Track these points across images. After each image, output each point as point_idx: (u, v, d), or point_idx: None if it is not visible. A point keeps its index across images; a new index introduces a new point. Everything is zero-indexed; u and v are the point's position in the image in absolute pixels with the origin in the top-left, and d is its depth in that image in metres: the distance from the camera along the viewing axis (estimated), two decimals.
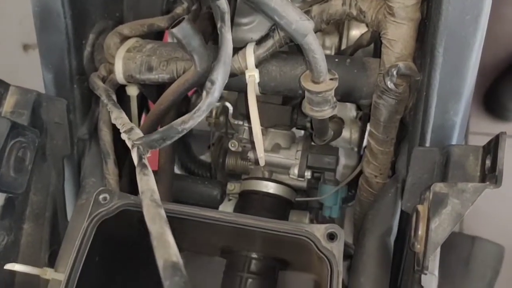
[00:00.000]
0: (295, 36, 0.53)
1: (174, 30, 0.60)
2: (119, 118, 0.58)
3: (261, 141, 0.60)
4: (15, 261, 0.69)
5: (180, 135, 0.52)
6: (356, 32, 0.82)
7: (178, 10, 0.79)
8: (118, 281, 0.76)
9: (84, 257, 0.65)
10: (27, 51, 2.56)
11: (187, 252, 0.85)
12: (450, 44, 0.56)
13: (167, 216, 0.65)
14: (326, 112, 0.61)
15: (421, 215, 0.51)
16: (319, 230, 0.56)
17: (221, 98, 0.86)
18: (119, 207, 0.67)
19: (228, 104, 0.85)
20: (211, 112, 0.87)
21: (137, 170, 0.47)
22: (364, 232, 0.62)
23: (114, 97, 0.66)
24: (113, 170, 0.72)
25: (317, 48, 0.55)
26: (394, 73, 0.59)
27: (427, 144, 0.61)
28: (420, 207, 0.52)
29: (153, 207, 0.39)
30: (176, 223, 0.69)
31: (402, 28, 0.59)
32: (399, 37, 0.60)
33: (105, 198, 0.67)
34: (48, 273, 0.67)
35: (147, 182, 0.47)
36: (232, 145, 0.87)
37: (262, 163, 0.62)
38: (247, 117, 0.86)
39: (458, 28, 0.56)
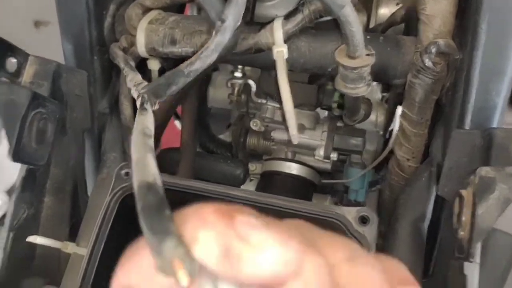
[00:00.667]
0: (332, 7, 0.50)
1: None
2: (133, 79, 0.55)
3: (294, 118, 0.58)
4: (35, 234, 0.68)
5: (188, 79, 0.48)
6: (385, 10, 0.79)
7: None
8: None
9: (107, 232, 0.64)
10: (39, 28, 2.54)
11: None
12: (494, 20, 0.53)
13: (189, 193, 0.63)
14: (360, 89, 0.58)
15: (465, 201, 0.48)
16: (350, 213, 0.54)
17: (244, 76, 0.83)
18: None
19: (251, 82, 0.83)
20: (232, 89, 0.84)
21: (137, 112, 0.44)
22: (396, 217, 0.60)
23: (132, 64, 0.64)
24: None
25: (355, 21, 0.52)
26: (433, 50, 0.56)
27: (467, 127, 0.58)
28: (464, 192, 0.49)
29: (141, 137, 0.35)
30: (187, 199, 0.67)
31: (442, 3, 0.56)
32: (438, 12, 0.56)
33: (127, 173, 0.65)
34: (69, 247, 0.67)
35: (143, 120, 0.42)
36: (254, 124, 0.84)
37: (295, 141, 0.59)
38: (270, 96, 0.83)
39: (502, 3, 0.53)
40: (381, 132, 0.88)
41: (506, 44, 0.54)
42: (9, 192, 2.24)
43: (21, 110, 0.59)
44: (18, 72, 0.63)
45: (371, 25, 0.78)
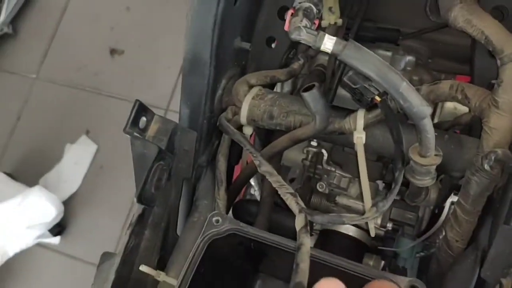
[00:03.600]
0: (414, 117, 0.63)
1: (305, 94, 0.71)
2: (280, 185, 0.70)
3: (370, 196, 0.70)
4: (135, 260, 0.81)
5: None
6: (450, 105, 0.91)
7: (295, 65, 0.90)
8: None
9: (195, 267, 0.77)
10: (113, 56, 2.78)
11: (265, 274, 0.95)
12: None
13: (257, 242, 0.75)
14: (426, 181, 0.70)
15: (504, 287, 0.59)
16: (402, 282, 0.64)
17: (319, 145, 0.97)
18: (228, 230, 0.78)
19: (324, 151, 0.96)
20: (307, 155, 0.97)
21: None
22: None
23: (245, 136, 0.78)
24: (223, 195, 0.84)
25: (430, 130, 0.64)
26: (492, 158, 0.67)
27: None
28: (504, 281, 0.60)
29: None
30: (263, 248, 0.79)
31: (504, 120, 0.68)
32: (499, 127, 0.68)
33: (217, 221, 0.78)
34: (161, 276, 0.79)
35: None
36: (320, 186, 0.97)
37: (372, 233, 0.71)
38: (339, 165, 0.96)
39: None
40: (431, 208, 0.99)
41: None
42: (64, 203, 2.43)
43: (149, 161, 0.74)
44: (145, 128, 0.78)
45: (436, 119, 0.90)
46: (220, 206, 0.84)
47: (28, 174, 2.57)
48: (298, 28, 0.61)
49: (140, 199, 0.73)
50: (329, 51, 0.61)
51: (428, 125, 0.64)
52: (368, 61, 0.61)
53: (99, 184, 2.51)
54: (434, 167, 0.68)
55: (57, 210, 2.31)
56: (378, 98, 0.68)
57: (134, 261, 0.81)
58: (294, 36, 0.62)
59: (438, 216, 0.98)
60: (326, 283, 0.29)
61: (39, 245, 2.38)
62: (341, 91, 0.96)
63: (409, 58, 0.97)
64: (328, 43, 0.61)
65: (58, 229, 2.39)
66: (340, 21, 0.89)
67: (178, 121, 0.84)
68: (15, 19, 2.87)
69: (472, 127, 0.83)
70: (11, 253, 2.26)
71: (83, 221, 2.47)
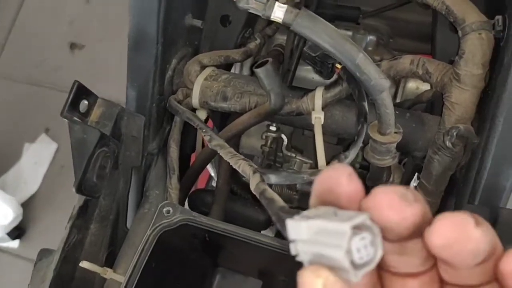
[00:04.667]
0: (372, 91, 0.59)
1: (258, 70, 0.66)
2: (232, 155, 0.65)
3: None
4: (79, 257, 0.75)
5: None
6: (413, 84, 0.88)
7: (251, 45, 0.86)
8: (167, 287, 0.82)
9: (144, 262, 0.71)
10: (73, 50, 2.67)
11: (224, 268, 0.90)
12: (510, 115, 0.61)
13: (212, 233, 0.70)
14: (387, 161, 0.66)
15: None
16: None
17: (278, 130, 0.92)
18: (180, 220, 0.73)
19: (283, 136, 0.91)
20: (266, 141, 0.93)
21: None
22: None
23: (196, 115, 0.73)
24: (175, 185, 0.78)
25: (389, 104, 0.60)
26: (454, 134, 0.64)
27: (476, 202, 0.65)
28: None
29: None
30: (219, 240, 0.75)
31: (466, 94, 0.65)
32: (461, 101, 0.65)
33: (168, 211, 0.73)
34: (108, 273, 0.73)
35: None
36: None
37: None
38: (299, 151, 0.91)
39: None
40: None
41: None
42: (24, 204, 2.32)
43: (89, 147, 0.67)
44: (87, 112, 0.72)
45: (398, 97, 0.87)
46: (173, 196, 0.78)
47: None
48: None
49: (80, 189, 0.67)
50: (280, 20, 0.57)
51: (386, 99, 0.60)
52: (322, 31, 0.56)
53: (59, 184, 2.40)
54: (394, 145, 0.65)
55: (15, 212, 2.20)
56: (338, 65, 0.64)
57: (78, 257, 0.74)
58: (242, 4, 0.57)
59: None
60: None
61: None
62: (300, 73, 0.92)
63: (370, 37, 0.94)
64: (278, 11, 0.56)
65: (17, 232, 2.28)
66: None
67: (125, 105, 0.78)
68: None
69: (434, 105, 0.80)
70: None
71: (43, 223, 2.36)
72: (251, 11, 0.57)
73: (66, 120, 0.69)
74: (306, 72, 0.91)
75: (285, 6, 0.57)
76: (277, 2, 0.57)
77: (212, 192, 0.86)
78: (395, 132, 0.64)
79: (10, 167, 2.46)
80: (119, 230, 0.82)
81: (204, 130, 0.70)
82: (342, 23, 0.94)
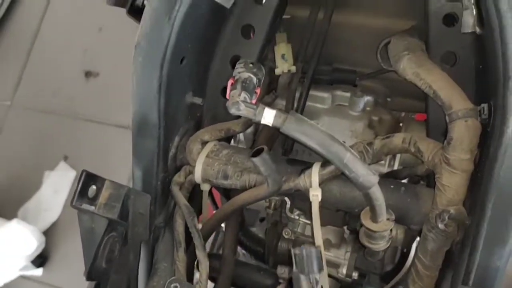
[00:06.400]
0: (361, 187, 0.62)
1: (255, 160, 0.69)
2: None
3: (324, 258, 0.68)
4: None
5: None
6: None
7: None
8: None
9: None
10: (88, 79, 2.74)
11: None
12: (499, 202, 0.63)
13: None
14: (380, 245, 0.68)
15: None
16: None
17: (279, 195, 0.95)
18: None
19: (286, 199, 0.94)
20: (270, 203, 0.95)
21: None
22: None
23: (195, 221, 0.77)
24: (182, 257, 0.82)
25: (379, 197, 0.63)
26: (446, 217, 0.66)
27: (471, 282, 0.67)
28: None
29: None
30: None
31: (456, 177, 0.67)
32: (452, 184, 0.67)
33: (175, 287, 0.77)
34: None
35: None
36: (286, 233, 0.95)
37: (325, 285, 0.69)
38: (303, 212, 0.94)
39: (507, 189, 0.63)
40: (399, 248, 0.97)
41: (508, 219, 0.64)
42: (45, 232, 2.39)
43: (98, 236, 0.71)
44: (96, 196, 0.75)
45: (396, 164, 0.88)
46: (180, 268, 0.81)
47: (6, 205, 2.53)
48: (236, 103, 0.59)
49: (90, 276, 0.71)
50: (270, 124, 0.60)
51: (376, 193, 0.62)
52: (310, 134, 0.59)
53: None
54: (388, 231, 0.67)
55: (38, 241, 2.28)
56: None
57: None
58: (233, 111, 0.60)
59: (406, 256, 0.97)
60: None
61: (22, 277, 2.34)
62: None
63: (368, 98, 0.96)
64: (268, 116, 0.59)
65: (40, 260, 2.36)
66: (293, 68, 0.87)
67: (132, 185, 0.82)
68: None
69: (429, 175, 0.81)
70: None
71: (65, 250, 2.43)
72: (242, 116, 0.60)
73: (74, 208, 0.73)
74: None
75: (274, 111, 0.59)
76: (266, 108, 0.59)
77: (219, 257, 0.89)
78: (387, 219, 0.66)
79: (31, 195, 2.54)
80: None
81: (193, 235, 0.73)
82: (340, 86, 0.96)
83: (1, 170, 2.67)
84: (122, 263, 0.82)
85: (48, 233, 2.41)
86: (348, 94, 0.96)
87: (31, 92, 2.80)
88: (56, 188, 2.57)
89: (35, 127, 2.73)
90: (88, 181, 0.74)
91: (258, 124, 0.97)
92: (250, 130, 1.03)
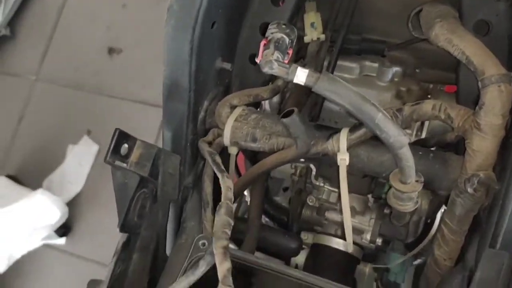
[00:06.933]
0: (392, 147, 0.62)
1: (285, 120, 0.70)
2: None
3: (350, 227, 0.70)
4: (123, 285, 0.82)
5: None
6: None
7: (279, 82, 0.89)
8: None
9: None
10: (112, 55, 2.77)
11: None
12: None
13: (243, 265, 0.75)
14: (408, 207, 0.69)
15: None
16: None
17: (307, 160, 0.96)
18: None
19: (312, 166, 0.95)
20: (295, 170, 0.97)
21: None
22: None
23: (219, 159, 0.77)
24: (210, 217, 0.84)
25: (409, 158, 0.63)
26: (475, 181, 0.66)
27: (498, 245, 0.67)
28: None
29: None
30: (251, 271, 0.79)
31: (486, 142, 0.67)
32: (482, 149, 0.67)
33: (203, 244, 0.79)
34: None
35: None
36: (311, 200, 0.96)
37: (349, 249, 0.71)
38: (328, 179, 0.95)
39: None
40: (423, 218, 0.98)
41: None
42: (69, 203, 2.45)
43: (130, 191, 0.74)
44: (128, 155, 0.77)
45: (424, 133, 0.88)
46: (207, 228, 0.84)
47: (31, 176, 2.59)
48: (269, 62, 0.60)
49: (124, 228, 0.73)
50: (302, 83, 0.60)
51: (406, 154, 0.63)
52: (342, 93, 0.60)
53: (102, 183, 2.52)
54: (416, 193, 0.68)
55: (61, 212, 2.34)
56: None
57: (123, 285, 0.81)
58: (266, 69, 0.60)
59: (430, 225, 0.98)
60: None
61: (46, 246, 2.41)
62: (328, 104, 0.95)
63: (396, 69, 0.95)
64: (301, 75, 0.60)
65: (63, 230, 2.42)
66: (323, 36, 0.87)
67: (162, 145, 0.84)
68: (13, 21, 2.86)
69: (459, 143, 0.81)
70: (18, 255, 2.30)
71: (88, 221, 2.49)
72: (275, 75, 0.61)
73: (108, 164, 0.75)
74: (333, 104, 0.94)
75: (307, 70, 0.60)
76: (299, 67, 0.60)
77: (244, 220, 0.91)
78: (416, 181, 0.67)
79: (55, 168, 2.60)
80: (159, 258, 0.88)
81: (221, 175, 0.74)
82: (368, 56, 0.96)
83: (27, 143, 2.74)
84: (151, 221, 0.84)
85: (71, 205, 2.47)
86: (376, 65, 0.96)
87: (56, 67, 2.84)
88: (79, 161, 2.62)
89: (59, 102, 2.77)
90: (120, 139, 0.77)
91: (284, 93, 0.98)
92: (276, 99, 1.04)
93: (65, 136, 2.65)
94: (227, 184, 0.67)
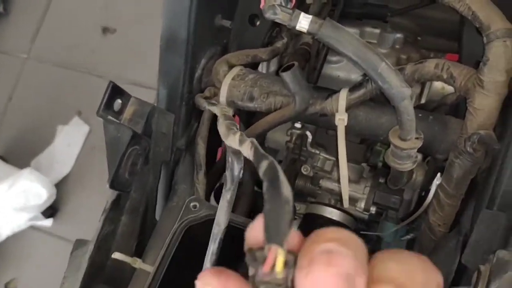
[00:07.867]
0: (393, 99, 0.61)
1: (284, 74, 0.68)
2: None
3: (347, 185, 0.68)
4: (111, 247, 0.79)
5: None
6: (438, 85, 0.88)
7: (278, 44, 0.87)
8: (189, 280, 0.86)
9: (172, 254, 0.75)
10: (106, 34, 2.73)
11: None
12: None
13: (236, 228, 0.73)
14: (407, 165, 0.68)
15: (482, 275, 0.57)
16: None
17: (302, 127, 0.94)
18: (206, 216, 0.77)
19: (308, 133, 0.93)
20: (291, 137, 0.95)
21: None
22: None
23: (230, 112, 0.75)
24: (202, 180, 0.82)
25: (411, 111, 0.62)
26: (475, 140, 0.65)
27: (495, 207, 0.66)
28: (482, 268, 0.58)
29: None
30: (243, 235, 0.77)
31: (489, 100, 0.66)
32: (484, 107, 0.66)
33: (195, 206, 0.77)
34: (137, 263, 0.78)
35: None
36: (305, 169, 0.95)
37: (346, 204, 0.69)
38: (323, 147, 0.94)
39: None
40: (418, 190, 0.97)
41: None
42: (57, 185, 2.41)
43: (122, 146, 0.71)
44: (121, 111, 0.75)
45: (423, 97, 0.87)
46: (199, 190, 0.82)
47: (20, 155, 2.55)
48: (272, 7, 0.58)
49: (113, 184, 0.71)
50: (305, 30, 0.59)
51: (408, 107, 0.61)
52: (345, 41, 0.58)
53: (91, 165, 2.48)
54: (415, 151, 0.66)
55: (49, 192, 2.30)
56: None
57: (110, 247, 0.79)
58: (269, 14, 0.59)
59: (424, 199, 0.97)
60: None
61: (32, 227, 2.37)
62: (326, 71, 0.94)
63: (398, 35, 0.94)
64: (304, 22, 0.58)
65: (50, 211, 2.38)
66: None
67: (156, 103, 0.82)
68: None
69: (458, 107, 0.80)
70: (3, 236, 2.26)
71: (76, 203, 2.46)
72: (277, 21, 0.59)
73: (100, 118, 0.73)
74: (332, 70, 0.93)
75: (310, 16, 0.58)
76: (302, 13, 0.58)
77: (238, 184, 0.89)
78: (416, 138, 0.65)
79: (44, 148, 2.56)
80: (148, 221, 0.86)
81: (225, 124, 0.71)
82: (370, 21, 0.94)
83: (16, 122, 2.69)
84: (142, 183, 0.82)
85: (59, 186, 2.43)
86: (377, 31, 0.94)
87: (48, 46, 2.79)
88: (69, 142, 2.58)
89: (50, 81, 2.73)
90: (114, 93, 0.74)
91: (283, 58, 0.96)
92: (273, 68, 1.03)
93: (55, 116, 2.61)
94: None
